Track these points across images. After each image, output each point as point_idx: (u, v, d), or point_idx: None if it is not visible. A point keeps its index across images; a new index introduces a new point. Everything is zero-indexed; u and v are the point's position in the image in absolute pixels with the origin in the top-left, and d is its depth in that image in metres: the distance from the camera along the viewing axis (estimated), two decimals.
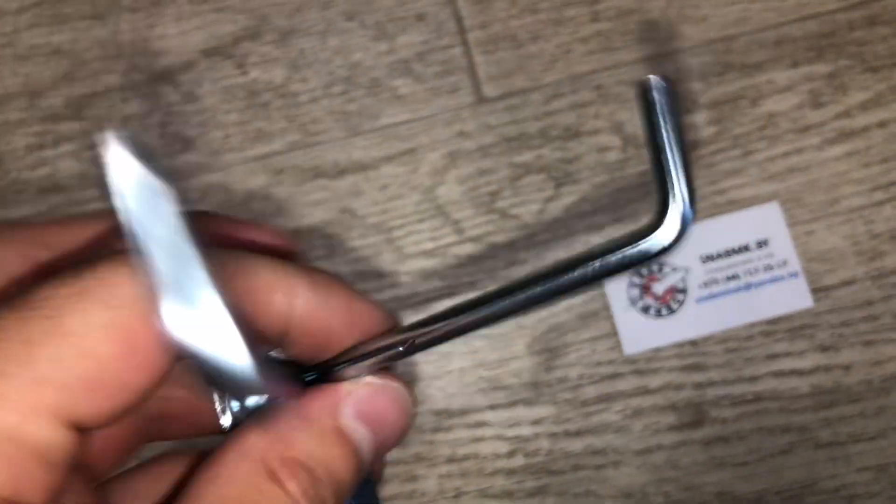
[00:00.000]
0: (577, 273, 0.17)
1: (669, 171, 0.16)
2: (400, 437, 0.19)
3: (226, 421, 0.19)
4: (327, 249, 0.36)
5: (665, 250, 0.16)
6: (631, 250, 0.16)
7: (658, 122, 0.16)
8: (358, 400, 0.18)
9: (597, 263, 0.17)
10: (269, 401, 0.17)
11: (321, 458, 0.17)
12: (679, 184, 0.16)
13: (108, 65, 0.39)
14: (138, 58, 0.39)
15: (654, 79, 0.16)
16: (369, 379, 0.19)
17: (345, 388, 0.18)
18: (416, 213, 0.36)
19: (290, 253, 0.20)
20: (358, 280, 0.36)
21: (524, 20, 0.38)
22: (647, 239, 0.16)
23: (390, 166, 0.37)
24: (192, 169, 0.37)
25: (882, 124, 0.36)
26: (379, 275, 0.36)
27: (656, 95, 0.16)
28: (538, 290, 0.17)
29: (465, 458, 0.34)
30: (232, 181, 0.37)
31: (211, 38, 0.39)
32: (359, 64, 0.38)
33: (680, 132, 0.16)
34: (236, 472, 0.16)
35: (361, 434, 0.18)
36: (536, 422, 0.34)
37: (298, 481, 0.17)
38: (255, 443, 0.17)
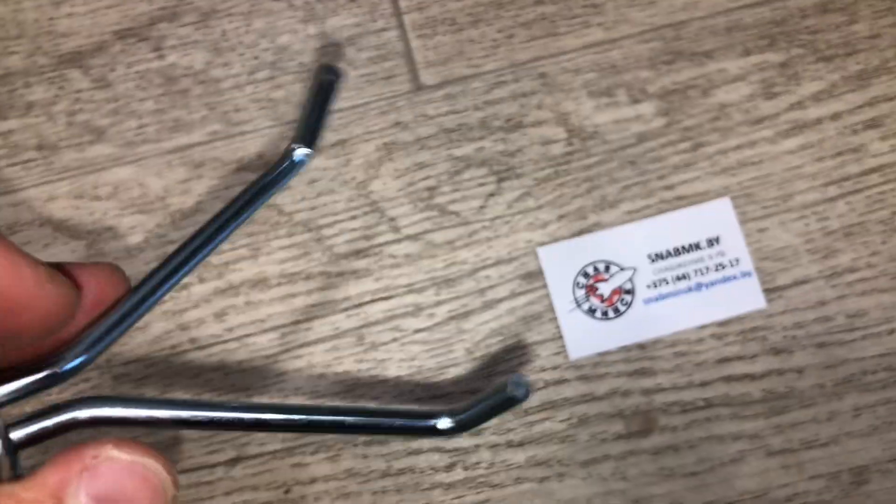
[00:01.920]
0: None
1: None
2: None
3: None
4: (251, 250, 0.33)
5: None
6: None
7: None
8: (96, 480, 0.14)
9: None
10: None
11: None
12: None
13: (9, 46, 0.35)
14: (43, 39, 0.35)
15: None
16: (113, 453, 0.15)
17: (82, 460, 0.14)
18: (347, 210, 0.34)
19: None
20: (284, 283, 0.33)
21: (464, 2, 0.35)
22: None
23: (320, 159, 0.34)
24: (104, 162, 0.34)
25: (835, 116, 0.34)
26: (307, 277, 0.33)
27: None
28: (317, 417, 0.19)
29: (401, 472, 0.32)
30: (147, 175, 0.34)
31: (125, 19, 0.36)
32: (286, 48, 0.35)
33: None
34: None
35: None
36: (476, 432, 0.32)
37: None
38: None
